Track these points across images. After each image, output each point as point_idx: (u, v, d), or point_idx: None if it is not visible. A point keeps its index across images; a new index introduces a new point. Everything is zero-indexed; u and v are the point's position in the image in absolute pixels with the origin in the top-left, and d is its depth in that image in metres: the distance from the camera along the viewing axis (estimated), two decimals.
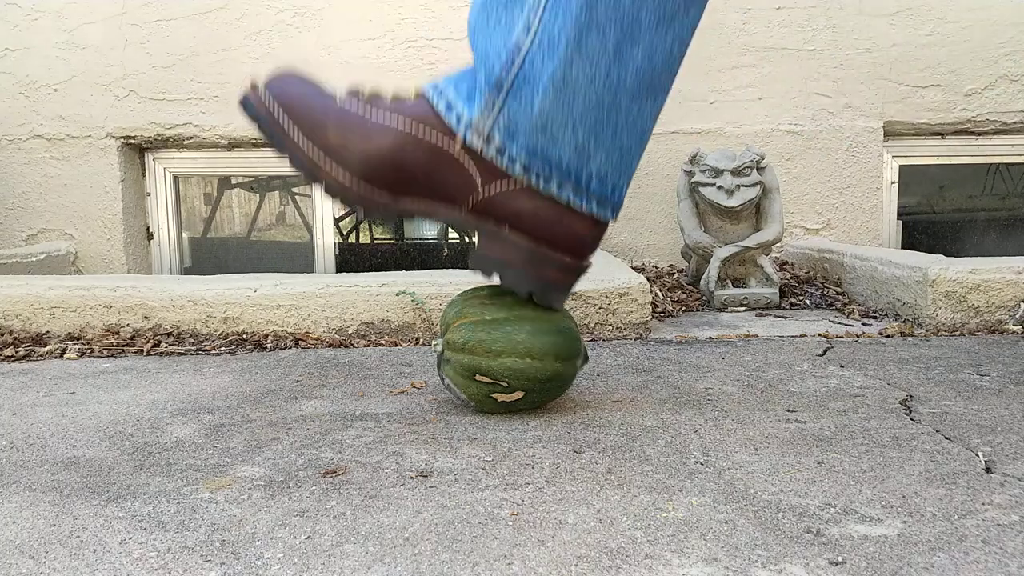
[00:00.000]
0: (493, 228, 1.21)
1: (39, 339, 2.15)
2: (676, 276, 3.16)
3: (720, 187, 2.71)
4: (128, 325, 2.19)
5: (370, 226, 5.74)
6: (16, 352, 2.05)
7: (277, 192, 5.09)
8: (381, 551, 0.86)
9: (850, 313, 2.50)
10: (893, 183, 3.60)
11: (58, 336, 2.17)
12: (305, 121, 1.17)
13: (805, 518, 0.93)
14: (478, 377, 1.31)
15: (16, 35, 3.40)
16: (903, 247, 3.66)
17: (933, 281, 2.18)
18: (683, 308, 2.71)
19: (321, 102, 1.19)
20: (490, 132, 1.14)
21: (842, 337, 2.15)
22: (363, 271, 2.52)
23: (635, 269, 3.00)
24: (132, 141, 3.47)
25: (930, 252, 2.57)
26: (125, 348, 2.09)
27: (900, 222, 3.65)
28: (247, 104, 1.23)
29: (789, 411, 1.40)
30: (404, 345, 2.12)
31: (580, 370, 1.45)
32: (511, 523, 0.93)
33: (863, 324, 2.35)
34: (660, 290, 2.85)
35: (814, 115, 3.44)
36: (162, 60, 3.41)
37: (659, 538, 0.88)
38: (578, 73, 1.11)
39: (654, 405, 1.46)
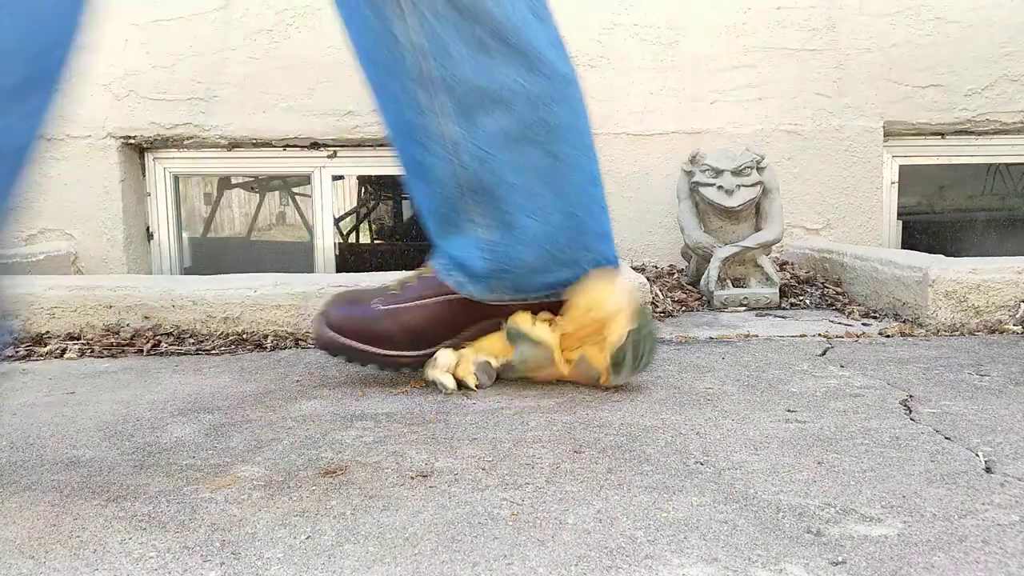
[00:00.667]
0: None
1: (39, 339, 2.15)
2: (676, 276, 3.16)
3: (720, 187, 2.71)
4: (128, 325, 2.19)
5: (370, 227, 5.74)
6: (16, 352, 2.05)
7: (277, 192, 5.09)
8: (381, 551, 0.86)
9: (850, 313, 2.50)
10: (893, 183, 3.60)
11: (58, 336, 2.17)
12: (363, 335, 1.55)
13: (805, 518, 0.93)
14: None
15: None
16: (903, 247, 3.66)
17: (933, 281, 2.18)
18: (683, 308, 2.71)
19: (364, 313, 1.56)
20: (498, 295, 1.54)
21: (842, 337, 2.15)
22: (363, 271, 2.52)
23: (635, 269, 3.00)
24: (132, 141, 3.47)
25: (930, 252, 2.57)
26: (125, 348, 2.09)
27: (900, 222, 3.65)
28: (324, 346, 1.60)
29: (789, 411, 1.40)
30: None
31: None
32: (511, 523, 0.93)
33: (863, 324, 2.35)
34: (660, 290, 2.85)
35: (814, 115, 3.44)
36: (162, 60, 3.41)
37: (659, 538, 0.88)
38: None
39: (654, 405, 1.46)
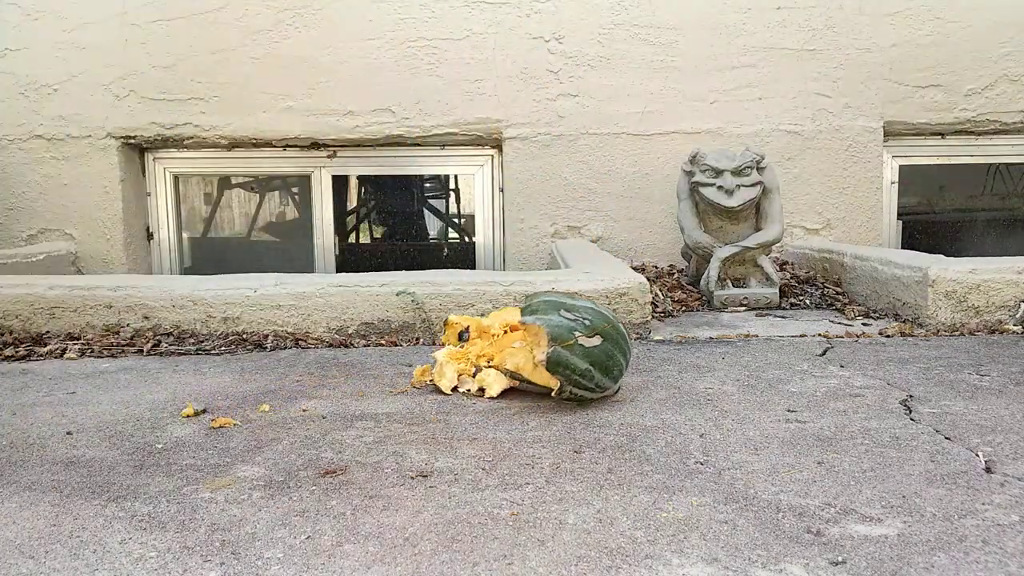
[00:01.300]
0: None
1: (39, 339, 2.15)
2: (676, 276, 3.16)
3: (720, 187, 2.70)
4: (128, 325, 2.19)
5: (370, 226, 5.74)
6: (16, 352, 2.05)
7: (277, 192, 5.09)
8: (381, 551, 0.86)
9: (850, 313, 2.50)
10: (893, 183, 3.60)
11: (58, 336, 2.17)
12: None
13: (805, 518, 0.93)
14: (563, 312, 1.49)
15: (16, 35, 3.40)
16: (903, 247, 3.66)
17: (933, 281, 2.18)
18: (683, 308, 2.71)
19: None
20: None
21: (842, 337, 2.15)
22: (363, 271, 2.52)
23: (635, 269, 3.00)
24: (132, 141, 3.47)
25: (930, 252, 2.57)
26: (125, 348, 2.09)
27: (900, 222, 3.65)
28: None
29: (789, 411, 1.40)
30: (404, 345, 2.12)
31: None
32: (511, 523, 0.93)
33: (863, 324, 2.35)
34: (660, 290, 2.85)
35: (814, 115, 3.44)
36: (162, 60, 3.41)
37: (659, 538, 0.88)
38: None
39: (654, 405, 1.46)
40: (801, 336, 2.18)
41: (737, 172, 2.72)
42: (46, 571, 0.83)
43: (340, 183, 5.76)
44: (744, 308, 2.70)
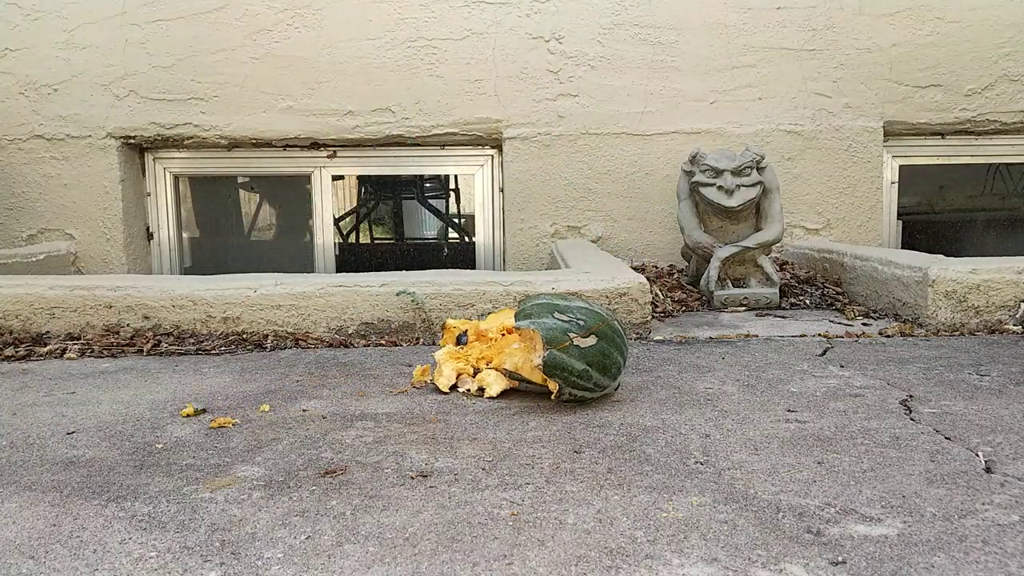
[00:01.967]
0: None
1: (39, 339, 2.15)
2: (676, 276, 3.16)
3: (720, 187, 2.70)
4: (128, 325, 2.19)
5: (370, 226, 5.74)
6: (16, 352, 2.05)
7: (277, 192, 5.09)
8: (381, 551, 0.86)
9: (850, 313, 2.50)
10: (893, 183, 3.60)
11: (58, 336, 2.17)
12: None
13: (805, 518, 0.93)
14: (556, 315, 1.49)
15: (16, 35, 3.40)
16: (903, 247, 3.66)
17: (933, 281, 2.18)
18: (683, 308, 2.71)
19: None
20: None
21: (842, 337, 2.15)
22: (363, 271, 2.52)
23: (635, 269, 3.00)
24: (132, 141, 3.47)
25: (930, 252, 2.57)
26: (125, 348, 2.09)
27: (900, 222, 3.65)
28: None
29: (789, 411, 1.40)
30: (404, 345, 2.12)
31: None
32: (511, 523, 0.93)
33: (863, 324, 2.35)
34: (660, 290, 2.85)
35: (814, 115, 3.44)
36: (162, 60, 3.41)
37: (659, 538, 0.88)
38: None
39: (654, 405, 1.46)
40: (801, 336, 2.18)
41: (737, 172, 2.72)
42: (46, 571, 0.83)
43: (340, 183, 5.76)
44: (744, 308, 2.70)
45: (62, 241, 3.46)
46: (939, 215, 4.48)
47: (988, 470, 1.08)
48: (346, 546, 0.87)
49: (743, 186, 2.71)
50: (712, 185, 2.72)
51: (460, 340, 1.71)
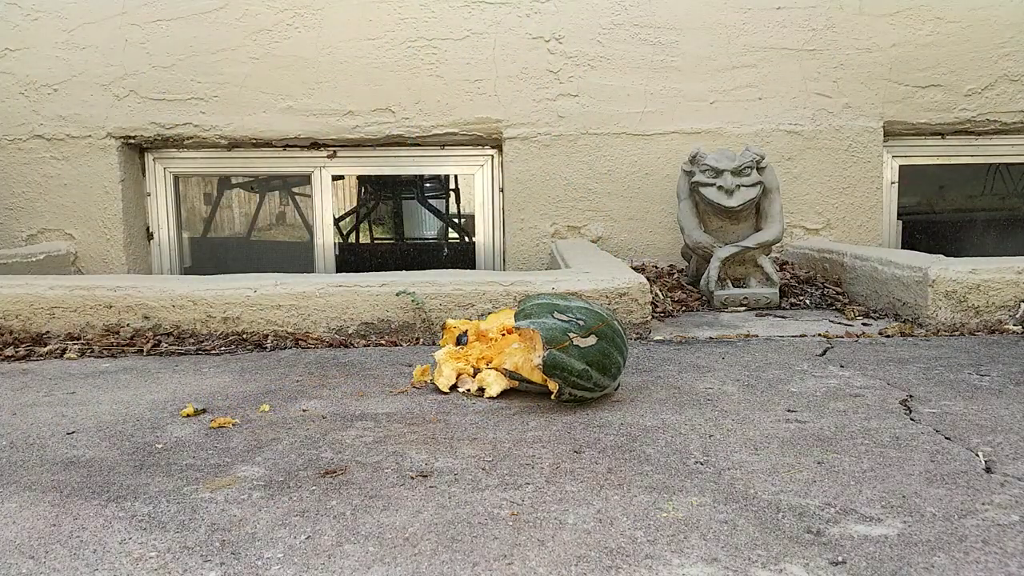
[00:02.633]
0: None
1: (39, 339, 2.15)
2: (676, 276, 3.16)
3: (720, 187, 2.70)
4: (128, 325, 2.19)
5: (370, 226, 5.74)
6: (16, 352, 2.05)
7: (277, 192, 5.09)
8: (381, 551, 0.86)
9: (850, 313, 2.50)
10: (893, 183, 3.60)
11: (58, 336, 2.17)
12: None
13: (805, 518, 0.93)
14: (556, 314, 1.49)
15: (16, 35, 3.40)
16: (903, 247, 3.66)
17: (933, 281, 2.18)
18: (683, 308, 2.71)
19: None
20: None
21: (842, 337, 2.15)
22: (363, 271, 2.52)
23: (635, 269, 3.00)
24: (132, 141, 3.47)
25: (930, 252, 2.57)
26: (125, 348, 2.09)
27: (900, 222, 3.65)
28: None
29: (789, 411, 1.40)
30: (404, 345, 2.12)
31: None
32: (511, 523, 0.93)
33: (863, 324, 2.35)
34: (660, 290, 2.85)
35: (814, 115, 3.44)
36: (162, 60, 3.41)
37: (659, 538, 0.88)
38: None
39: (654, 405, 1.46)
40: (801, 336, 2.18)
41: (737, 172, 2.72)
42: (46, 571, 0.83)
43: (340, 183, 5.77)
44: (744, 308, 2.70)
45: (62, 241, 3.46)
46: (939, 215, 4.48)
47: (988, 470, 1.08)
48: (346, 546, 0.87)
49: (743, 186, 2.71)
50: (712, 185, 2.72)
51: (460, 340, 1.71)
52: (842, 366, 1.77)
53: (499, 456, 1.17)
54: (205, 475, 1.11)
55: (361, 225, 5.62)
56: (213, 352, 2.06)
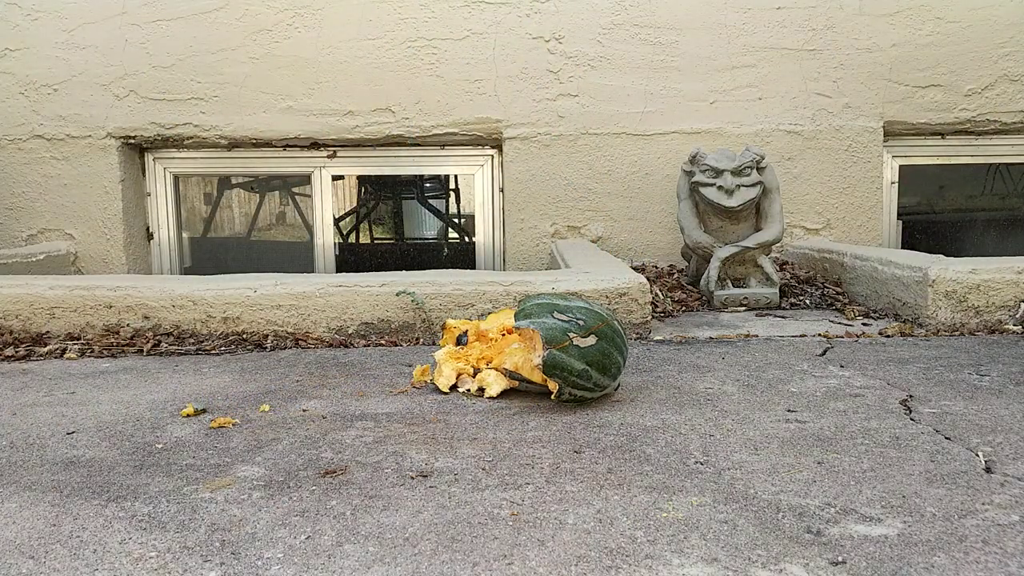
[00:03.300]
0: None
1: (39, 339, 2.15)
2: (676, 276, 3.16)
3: (720, 187, 2.70)
4: (128, 325, 2.19)
5: (370, 226, 5.75)
6: (16, 352, 2.05)
7: (277, 192, 5.10)
8: (381, 551, 0.86)
9: (850, 313, 2.50)
10: (893, 183, 3.60)
11: (58, 336, 2.17)
12: None
13: (805, 518, 0.93)
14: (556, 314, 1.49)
15: (16, 35, 3.40)
16: (903, 247, 3.66)
17: (933, 281, 2.18)
18: (683, 308, 2.71)
19: None
20: None
21: (842, 337, 2.15)
22: (363, 271, 2.52)
23: (635, 269, 3.00)
24: (132, 141, 3.47)
25: (930, 252, 2.57)
26: (125, 348, 2.09)
27: (900, 222, 3.65)
28: None
29: (789, 411, 1.40)
30: (404, 345, 2.12)
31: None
32: (511, 523, 0.93)
33: (863, 324, 2.35)
34: (660, 290, 2.85)
35: (814, 115, 3.44)
36: (162, 60, 3.41)
37: (659, 538, 0.88)
38: None
39: (654, 405, 1.46)
40: (801, 336, 2.18)
41: (737, 172, 2.72)
42: (46, 571, 0.83)
43: (340, 183, 5.77)
44: (744, 308, 2.70)
45: (62, 241, 3.46)
46: (939, 215, 4.48)
47: (988, 470, 1.08)
48: (346, 546, 0.87)
49: (743, 186, 2.71)
50: (712, 185, 2.72)
51: (460, 340, 1.71)
52: (842, 366, 1.77)
53: (499, 456, 1.17)
54: (205, 475, 1.11)
55: (361, 225, 5.62)
56: (213, 352, 2.06)
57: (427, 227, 6.26)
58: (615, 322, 1.50)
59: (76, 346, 2.09)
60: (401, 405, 1.49)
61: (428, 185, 5.53)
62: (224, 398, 1.57)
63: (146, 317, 2.19)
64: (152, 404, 1.54)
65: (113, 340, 2.13)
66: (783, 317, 2.53)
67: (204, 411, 1.47)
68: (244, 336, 2.15)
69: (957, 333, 2.16)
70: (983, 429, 1.26)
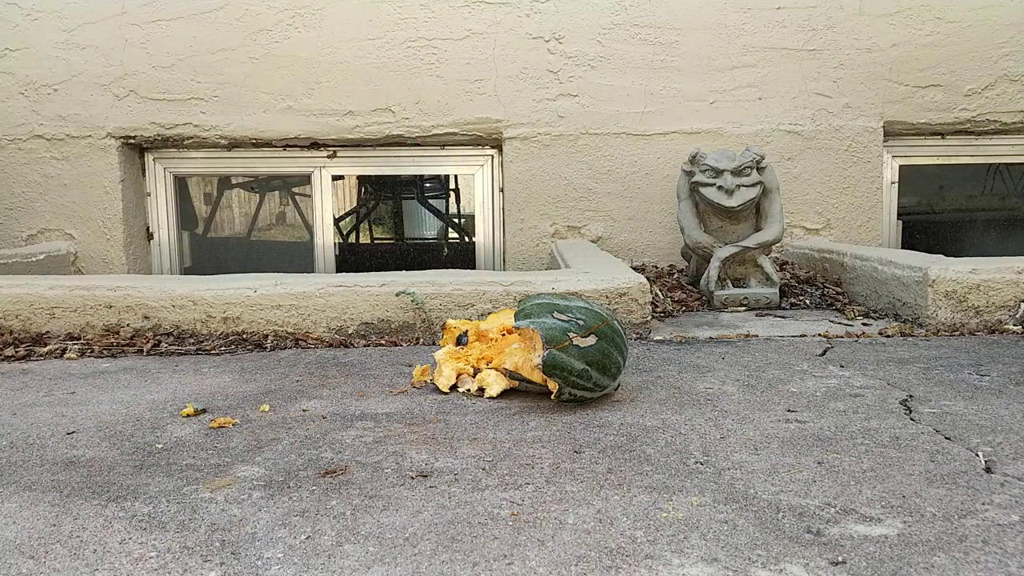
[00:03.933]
0: None
1: (39, 339, 2.15)
2: (676, 276, 3.16)
3: (720, 187, 2.70)
4: (128, 325, 2.19)
5: (370, 226, 5.75)
6: (16, 352, 2.05)
7: (277, 192, 5.10)
8: (381, 551, 0.86)
9: (850, 313, 2.50)
10: (893, 183, 3.60)
11: (58, 336, 2.17)
12: None
13: (805, 518, 0.93)
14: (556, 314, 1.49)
15: (16, 35, 3.40)
16: (903, 247, 3.66)
17: (933, 281, 2.18)
18: (683, 308, 2.71)
19: None
20: None
21: (842, 337, 2.15)
22: (363, 271, 2.52)
23: (635, 269, 3.00)
24: (132, 141, 3.47)
25: (930, 252, 2.57)
26: (125, 348, 2.09)
27: (900, 222, 3.65)
28: None
29: (789, 411, 1.40)
30: (404, 345, 2.12)
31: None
32: (511, 523, 0.93)
33: (863, 324, 2.35)
34: (660, 290, 2.85)
35: (814, 115, 3.44)
36: (162, 60, 3.41)
37: (659, 538, 0.88)
38: None
39: (654, 405, 1.46)
40: (801, 336, 2.18)
41: (737, 172, 2.72)
42: (46, 571, 0.83)
43: (340, 183, 5.77)
44: (744, 308, 2.70)
45: (62, 241, 3.46)
46: (939, 215, 4.48)
47: (988, 470, 1.08)
48: (346, 546, 0.87)
49: (743, 186, 2.71)
50: (712, 185, 2.72)
51: (460, 340, 1.71)
52: (842, 366, 1.77)
53: (499, 456, 1.17)
54: (205, 475, 1.11)
55: (361, 225, 5.62)
56: (213, 352, 2.06)
57: (427, 227, 6.27)
58: (615, 322, 1.50)
59: (76, 346, 2.09)
60: (401, 405, 1.49)
61: (428, 185, 5.54)
62: (224, 398, 1.57)
63: (146, 317, 2.19)
64: (152, 404, 1.54)
65: (113, 340, 2.13)
66: (783, 317, 2.53)
67: (204, 411, 1.47)
68: (244, 336, 2.15)
69: (957, 333, 2.16)
70: (983, 429, 1.26)
